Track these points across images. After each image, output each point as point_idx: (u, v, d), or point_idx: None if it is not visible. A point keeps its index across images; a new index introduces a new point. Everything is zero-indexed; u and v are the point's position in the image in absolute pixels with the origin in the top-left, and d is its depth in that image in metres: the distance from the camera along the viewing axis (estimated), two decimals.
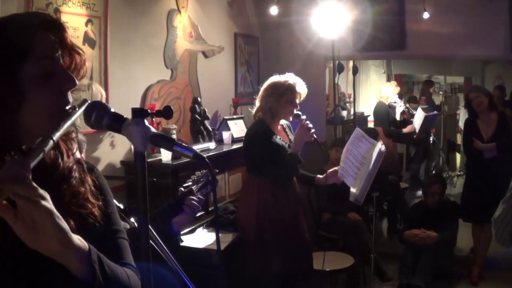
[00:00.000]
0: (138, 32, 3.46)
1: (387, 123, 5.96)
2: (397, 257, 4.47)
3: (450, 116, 8.73)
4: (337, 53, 4.42)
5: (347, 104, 6.88)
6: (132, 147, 0.90)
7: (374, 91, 7.27)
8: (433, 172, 7.52)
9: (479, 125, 4.29)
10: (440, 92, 9.01)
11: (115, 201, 1.11)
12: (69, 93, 0.94)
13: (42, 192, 0.77)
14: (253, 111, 3.11)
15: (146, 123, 0.90)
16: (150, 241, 1.04)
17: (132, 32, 3.39)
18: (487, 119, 4.27)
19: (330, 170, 3.10)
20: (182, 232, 3.17)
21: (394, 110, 6.24)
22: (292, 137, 3.09)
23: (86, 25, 2.97)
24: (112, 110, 0.92)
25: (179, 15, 3.89)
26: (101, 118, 0.91)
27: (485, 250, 4.36)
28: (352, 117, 5.84)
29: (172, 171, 3.20)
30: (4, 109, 0.87)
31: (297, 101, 2.99)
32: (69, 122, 0.89)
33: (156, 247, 1.55)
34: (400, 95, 6.72)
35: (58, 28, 0.94)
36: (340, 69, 4.56)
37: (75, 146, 1.02)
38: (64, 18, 2.75)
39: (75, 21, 2.88)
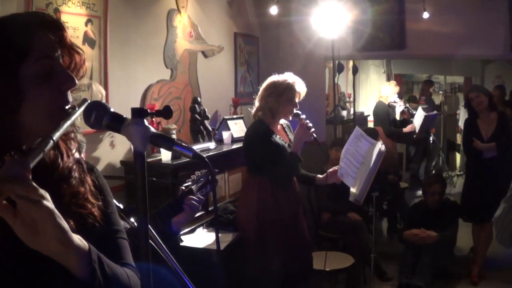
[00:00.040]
0: (138, 32, 3.46)
1: (387, 123, 5.96)
2: (397, 257, 4.47)
3: (450, 116, 8.73)
4: (337, 53, 4.41)
5: (347, 104, 6.88)
6: (132, 147, 0.90)
7: (374, 91, 7.27)
8: (433, 172, 7.52)
9: (479, 125, 4.29)
10: (440, 92, 9.01)
11: (114, 201, 1.11)
12: (69, 92, 0.94)
13: (42, 192, 0.77)
14: (253, 111, 3.11)
15: (146, 123, 0.90)
16: (150, 241, 1.04)
17: (132, 32, 3.39)
18: (487, 118, 4.27)
19: (330, 169, 3.10)
20: (182, 232, 3.17)
21: (394, 110, 6.24)
22: (292, 136, 3.09)
23: (86, 25, 2.97)
24: (112, 110, 0.92)
25: (179, 15, 3.89)
26: (101, 118, 0.90)
27: (485, 249, 4.36)
28: (352, 117, 5.84)
29: (172, 171, 3.20)
30: (4, 109, 0.87)
31: (297, 100, 2.99)
32: (69, 122, 0.89)
33: (156, 247, 1.55)
34: (400, 95, 6.72)
35: (57, 27, 0.94)
36: (340, 69, 4.55)
37: (75, 146, 1.02)
38: (64, 18, 2.75)
39: (75, 21, 2.88)
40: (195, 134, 3.81)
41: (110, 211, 1.04)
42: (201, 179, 2.25)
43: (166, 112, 0.99)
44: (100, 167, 3.13)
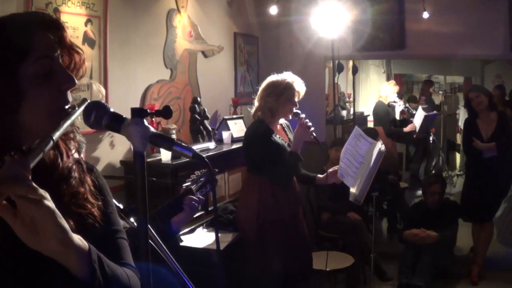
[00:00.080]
0: (138, 32, 3.46)
1: (387, 122, 5.96)
2: (397, 256, 4.47)
3: (449, 115, 8.74)
4: (336, 52, 4.41)
5: (347, 104, 6.88)
6: (132, 147, 0.90)
7: (374, 91, 7.28)
8: (433, 171, 7.52)
9: (478, 124, 4.29)
10: (440, 92, 9.02)
11: (114, 201, 1.11)
12: (68, 92, 0.94)
13: (42, 191, 0.77)
14: (252, 110, 3.11)
15: (146, 123, 0.90)
16: (150, 241, 1.04)
17: (131, 32, 3.39)
18: (487, 118, 4.27)
19: (330, 169, 3.10)
20: (181, 232, 3.18)
21: (394, 110, 6.24)
22: (291, 136, 3.09)
23: (86, 25, 2.96)
24: (112, 110, 0.92)
25: (179, 14, 3.89)
26: (101, 118, 0.90)
27: (485, 249, 4.36)
28: (351, 117, 5.85)
29: (172, 171, 3.20)
30: (4, 109, 0.87)
31: (296, 99, 2.99)
32: (68, 122, 0.89)
33: (155, 247, 1.55)
34: (400, 95, 6.73)
35: (57, 27, 0.94)
36: (339, 68, 4.55)
37: (74, 146, 1.02)
38: (63, 18, 2.75)
39: (74, 21, 2.88)
40: (195, 134, 3.81)
41: (110, 211, 1.04)
42: (201, 179, 2.25)
43: (165, 112, 0.99)
44: (100, 167, 3.13)
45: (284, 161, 2.94)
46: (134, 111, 0.90)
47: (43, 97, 0.90)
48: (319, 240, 4.42)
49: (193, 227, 3.40)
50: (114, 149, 3.25)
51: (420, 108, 6.58)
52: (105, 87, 3.11)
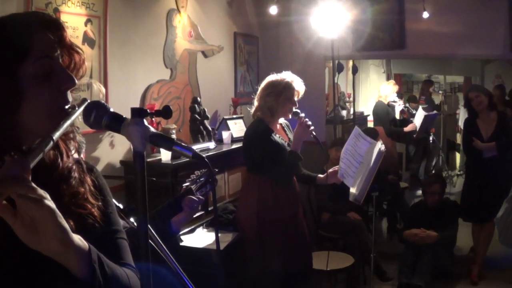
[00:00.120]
0: (138, 31, 3.46)
1: (387, 122, 5.96)
2: (397, 256, 4.47)
3: (449, 115, 8.74)
4: (336, 52, 4.41)
5: (347, 104, 6.88)
6: (132, 147, 0.90)
7: (374, 91, 7.27)
8: (433, 171, 7.52)
9: (478, 124, 4.29)
10: (440, 92, 9.00)
11: (114, 201, 1.11)
12: (68, 92, 0.94)
13: (42, 192, 0.77)
14: (252, 110, 3.11)
15: (146, 123, 0.90)
16: (150, 241, 1.04)
17: (131, 32, 3.39)
18: (487, 118, 4.27)
19: (330, 170, 3.11)
20: (181, 232, 3.17)
21: (394, 109, 6.24)
22: (291, 136, 3.09)
23: (86, 25, 2.96)
24: (112, 109, 0.92)
25: (179, 14, 3.89)
26: (100, 118, 0.90)
27: (485, 249, 4.36)
28: (351, 117, 5.85)
29: (172, 171, 3.20)
30: (4, 109, 0.87)
31: (296, 98, 3.00)
32: (68, 122, 0.89)
33: (155, 247, 1.55)
34: (400, 95, 6.72)
35: (57, 27, 0.94)
36: (339, 68, 4.55)
37: (74, 146, 1.02)
38: (63, 18, 2.75)
39: (74, 21, 2.88)
40: (195, 134, 3.81)
41: (109, 211, 1.04)
42: (201, 179, 2.25)
43: (165, 112, 0.98)
44: (99, 167, 3.13)
45: (284, 160, 2.94)
46: (134, 111, 0.90)
47: (43, 97, 0.90)
48: (319, 240, 4.42)
49: (193, 227, 3.40)
50: (114, 149, 3.25)
51: (420, 108, 6.58)
52: (105, 87, 3.11)
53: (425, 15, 4.74)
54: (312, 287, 3.33)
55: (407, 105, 6.66)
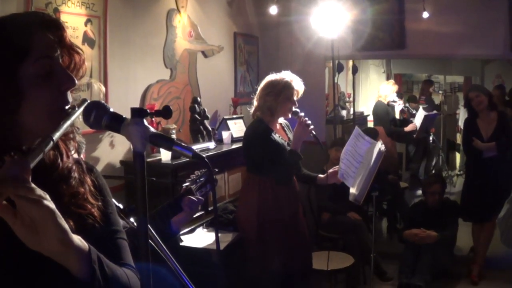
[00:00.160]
0: (138, 31, 3.46)
1: (388, 122, 5.96)
2: (397, 256, 4.47)
3: (449, 115, 8.74)
4: (336, 52, 4.41)
5: (347, 104, 6.88)
6: (132, 147, 0.90)
7: (374, 91, 7.27)
8: (433, 171, 7.52)
9: (478, 124, 4.29)
10: (440, 92, 9.00)
11: (114, 201, 1.11)
12: (68, 92, 0.94)
13: (42, 192, 0.77)
14: (252, 110, 3.11)
15: (146, 123, 0.90)
16: (150, 241, 1.04)
17: (131, 32, 3.39)
18: (487, 118, 4.27)
19: (330, 170, 3.11)
20: (181, 232, 3.17)
21: (394, 109, 6.24)
22: (291, 136, 3.09)
23: (86, 25, 2.96)
24: (111, 110, 0.92)
25: (179, 14, 3.89)
26: (100, 118, 0.90)
27: (485, 249, 4.36)
28: (351, 117, 5.85)
29: (172, 171, 3.20)
30: (4, 109, 0.87)
31: (295, 98, 3.00)
32: (68, 122, 0.89)
33: (155, 247, 1.55)
34: (400, 95, 6.72)
35: (57, 27, 0.94)
36: (339, 68, 4.55)
37: (74, 146, 1.02)
38: (63, 18, 2.75)
39: (74, 21, 2.87)
40: (195, 134, 3.81)
41: (109, 211, 1.04)
42: (201, 179, 2.25)
43: (165, 112, 0.98)
44: (99, 167, 3.13)
45: (284, 160, 2.94)
46: (134, 111, 0.90)
47: (43, 97, 0.90)
48: (319, 240, 4.42)
49: (193, 227, 3.40)
50: (114, 149, 3.25)
51: (421, 108, 6.57)
52: (105, 87, 3.11)
53: (425, 15, 4.74)
54: (312, 287, 3.33)
55: (407, 105, 6.66)
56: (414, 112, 6.53)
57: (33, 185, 0.76)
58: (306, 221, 3.32)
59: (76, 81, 0.94)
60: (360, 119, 6.83)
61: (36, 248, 0.78)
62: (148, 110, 0.92)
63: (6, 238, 0.79)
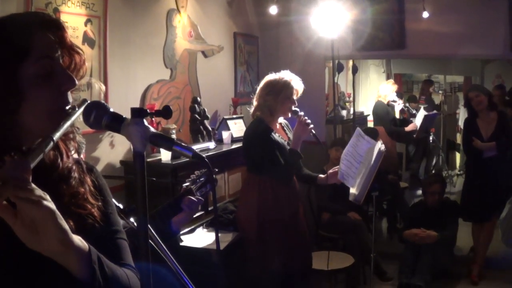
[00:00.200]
0: (138, 31, 3.46)
1: (388, 122, 5.96)
2: (397, 256, 4.47)
3: (449, 115, 8.73)
4: (336, 52, 4.41)
5: (347, 104, 6.88)
6: (132, 147, 0.90)
7: (374, 91, 7.26)
8: (433, 171, 7.52)
9: (478, 124, 4.29)
10: (440, 92, 9.01)
11: (114, 201, 1.11)
12: (69, 93, 0.94)
13: (42, 192, 0.77)
14: (251, 110, 3.11)
15: (146, 123, 0.90)
16: (150, 241, 1.04)
17: (131, 32, 3.39)
18: (487, 118, 4.27)
19: (331, 170, 3.11)
20: (181, 232, 3.17)
21: (394, 109, 6.24)
22: (291, 135, 3.09)
23: (86, 24, 2.96)
24: (111, 110, 0.92)
25: (179, 14, 3.89)
26: (100, 118, 0.90)
27: (485, 249, 4.36)
28: (351, 117, 5.85)
29: (172, 171, 3.20)
30: (4, 109, 0.87)
31: (295, 97, 3.00)
32: (69, 122, 0.89)
33: (155, 247, 1.55)
34: (400, 94, 6.72)
35: (57, 27, 0.94)
36: (339, 68, 4.55)
37: (74, 146, 1.02)
38: (63, 18, 2.75)
39: (74, 21, 2.87)
40: (195, 134, 3.81)
41: (109, 211, 1.04)
42: (201, 179, 2.25)
43: (165, 112, 0.98)
44: (99, 167, 3.13)
45: (285, 158, 2.94)
46: (134, 111, 0.90)
47: (43, 97, 0.90)
48: (319, 240, 4.42)
49: (193, 227, 3.40)
50: (114, 149, 3.25)
51: (422, 108, 6.57)
52: (105, 87, 3.11)
53: (425, 15, 4.74)
54: (312, 287, 3.33)
55: (407, 105, 6.66)
56: (414, 112, 6.53)
57: (33, 185, 0.76)
58: (306, 221, 3.32)
59: (77, 82, 0.95)
60: (360, 119, 6.83)
61: (36, 248, 0.78)
62: (148, 110, 0.92)
63: (6, 238, 0.79)
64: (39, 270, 0.85)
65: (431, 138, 7.28)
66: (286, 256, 3.01)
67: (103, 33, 3.09)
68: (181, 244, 3.13)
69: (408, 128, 6.15)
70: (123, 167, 3.31)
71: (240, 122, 4.46)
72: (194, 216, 2.34)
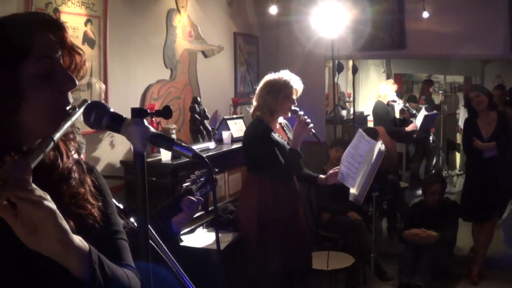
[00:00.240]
0: (138, 31, 3.46)
1: (388, 121, 5.96)
2: (397, 256, 4.47)
3: (449, 115, 8.73)
4: (336, 52, 4.42)
5: (347, 104, 6.88)
6: (132, 147, 0.90)
7: (374, 91, 7.26)
8: (433, 171, 7.52)
9: (479, 124, 4.29)
10: (440, 92, 9.01)
11: (114, 201, 1.11)
12: (69, 93, 0.94)
13: (43, 193, 0.77)
14: (251, 110, 3.11)
15: (146, 123, 0.90)
16: (150, 241, 1.04)
17: (131, 32, 3.39)
18: (487, 118, 4.27)
19: (331, 171, 3.11)
20: (182, 232, 3.17)
21: (393, 109, 6.24)
22: (291, 135, 3.09)
23: (86, 25, 2.96)
24: (112, 110, 0.92)
25: (179, 14, 3.89)
26: (101, 118, 0.90)
27: (485, 249, 4.36)
28: (351, 117, 5.85)
29: (172, 171, 3.20)
30: (4, 109, 0.87)
31: (294, 97, 3.00)
32: (69, 123, 0.89)
33: (155, 247, 1.55)
34: (400, 94, 6.72)
35: (58, 28, 0.94)
36: (339, 68, 4.55)
37: (74, 146, 1.02)
38: (63, 18, 2.75)
39: (74, 21, 2.87)
40: (195, 134, 3.81)
41: (109, 211, 1.04)
42: (201, 179, 2.25)
43: (165, 112, 0.98)
44: (99, 167, 3.13)
45: (285, 158, 2.94)
46: (134, 111, 0.90)
47: (44, 97, 0.90)
48: (319, 240, 4.42)
49: (193, 227, 3.40)
50: (114, 149, 3.25)
51: (423, 108, 6.57)
52: (105, 87, 3.11)
53: (425, 15, 4.74)
54: (312, 287, 3.33)
55: (407, 105, 6.66)
56: (414, 112, 6.53)
57: (33, 185, 0.76)
58: (306, 221, 3.32)
59: (77, 82, 0.95)
60: (360, 119, 6.83)
61: (37, 249, 0.78)
62: (148, 110, 0.92)
63: (6, 238, 0.79)
64: (39, 270, 0.85)
65: (431, 138, 7.28)
66: (286, 256, 3.01)
67: (103, 33, 3.09)
68: (181, 244, 3.13)
69: (408, 128, 6.15)
70: (123, 167, 3.31)
71: (240, 122, 4.46)
72: (194, 216, 2.34)
